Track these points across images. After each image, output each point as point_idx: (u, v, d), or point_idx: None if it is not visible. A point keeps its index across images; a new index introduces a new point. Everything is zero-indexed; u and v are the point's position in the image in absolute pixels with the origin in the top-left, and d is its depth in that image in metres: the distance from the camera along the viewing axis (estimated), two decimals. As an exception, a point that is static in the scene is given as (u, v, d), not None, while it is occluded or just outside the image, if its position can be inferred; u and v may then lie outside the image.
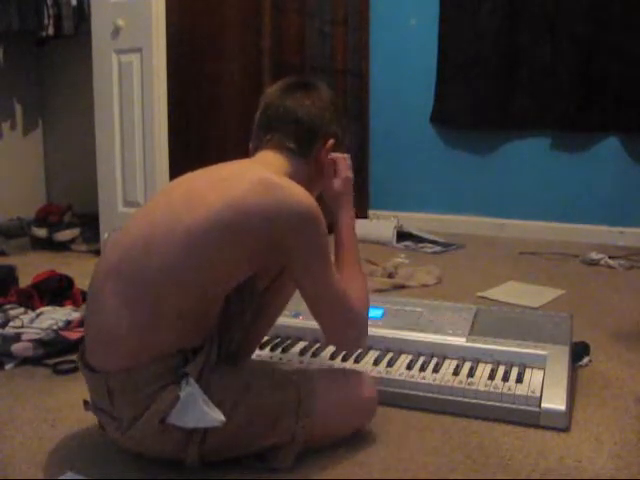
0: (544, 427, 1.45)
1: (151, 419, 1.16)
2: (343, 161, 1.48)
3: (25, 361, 1.80)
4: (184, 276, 1.16)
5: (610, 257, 3.08)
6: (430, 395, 1.54)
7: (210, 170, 1.32)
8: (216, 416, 1.15)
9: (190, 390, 1.15)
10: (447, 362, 1.65)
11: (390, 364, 1.63)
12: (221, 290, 1.22)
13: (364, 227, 3.67)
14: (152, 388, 1.16)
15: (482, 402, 1.50)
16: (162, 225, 1.18)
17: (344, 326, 1.32)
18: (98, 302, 1.21)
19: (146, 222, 1.22)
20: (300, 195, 1.23)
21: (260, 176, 1.22)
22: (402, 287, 2.62)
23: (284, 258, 1.24)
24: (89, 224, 3.23)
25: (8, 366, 1.78)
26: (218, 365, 1.24)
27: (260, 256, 1.22)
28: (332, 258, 1.29)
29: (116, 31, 2.98)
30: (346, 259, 1.42)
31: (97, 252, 3.08)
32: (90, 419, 1.41)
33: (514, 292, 2.57)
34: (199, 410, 1.15)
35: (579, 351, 1.79)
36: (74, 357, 1.78)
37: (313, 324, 1.82)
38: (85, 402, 1.29)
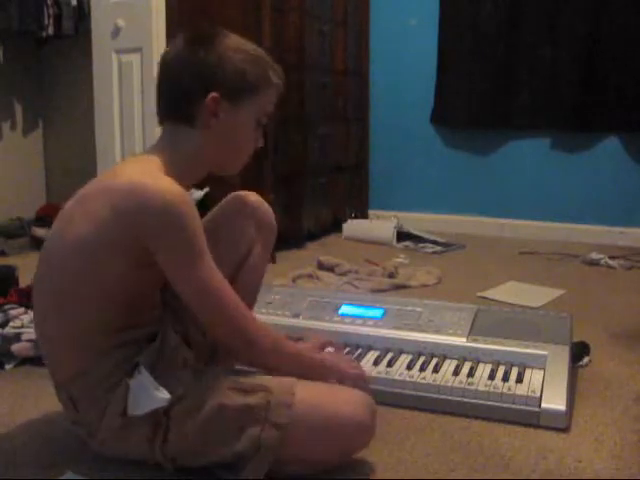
0: (544, 427, 1.45)
1: (112, 415, 1.17)
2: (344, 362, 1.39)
3: (25, 361, 1.80)
4: (80, 291, 1.17)
5: (610, 257, 3.07)
6: (430, 395, 1.54)
7: (91, 182, 1.27)
8: (162, 395, 1.14)
9: (139, 378, 1.15)
10: (447, 362, 1.65)
11: (390, 364, 1.63)
12: (138, 291, 1.20)
13: (364, 227, 3.68)
14: (108, 384, 1.17)
15: (482, 402, 1.50)
16: (53, 242, 1.21)
17: (226, 326, 1.20)
18: (34, 315, 1.26)
19: (49, 238, 1.23)
20: (157, 193, 1.11)
21: (120, 183, 1.15)
22: (402, 287, 2.61)
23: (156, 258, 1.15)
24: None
25: (8, 366, 1.78)
26: (185, 364, 1.23)
27: (147, 261, 1.16)
28: (203, 249, 1.16)
29: (116, 31, 2.98)
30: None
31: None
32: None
33: (514, 292, 2.57)
34: (148, 394, 1.14)
35: (579, 351, 1.79)
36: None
37: (312, 324, 1.83)
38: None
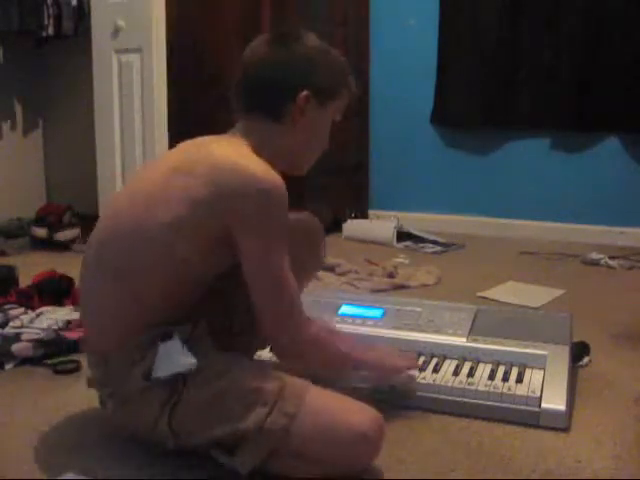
0: (544, 427, 1.45)
1: (136, 375, 1.20)
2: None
3: (25, 361, 1.80)
4: (153, 270, 1.20)
5: (610, 257, 3.07)
6: (430, 395, 1.54)
7: (169, 156, 1.33)
8: (188, 359, 1.17)
9: (170, 342, 1.18)
10: (447, 362, 1.65)
11: (390, 364, 1.63)
12: (201, 275, 1.24)
13: (364, 227, 3.67)
14: (142, 353, 1.20)
15: (482, 402, 1.50)
16: (126, 220, 1.23)
17: (278, 316, 1.24)
18: (85, 291, 1.29)
19: (112, 215, 1.27)
20: (250, 173, 1.17)
21: (212, 161, 1.20)
22: (402, 287, 2.61)
23: (235, 235, 1.19)
24: (89, 224, 3.23)
25: (8, 366, 1.78)
26: (213, 346, 1.26)
27: (227, 241, 1.21)
28: (284, 238, 1.22)
29: (116, 31, 2.98)
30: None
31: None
32: (90, 419, 1.42)
33: (514, 292, 2.57)
34: (175, 357, 1.17)
35: (579, 351, 1.79)
36: (75, 357, 1.79)
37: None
38: (88, 380, 1.33)
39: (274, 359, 1.48)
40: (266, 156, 1.24)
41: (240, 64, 1.29)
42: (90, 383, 1.32)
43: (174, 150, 1.33)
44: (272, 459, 1.17)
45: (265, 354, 1.61)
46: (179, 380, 1.19)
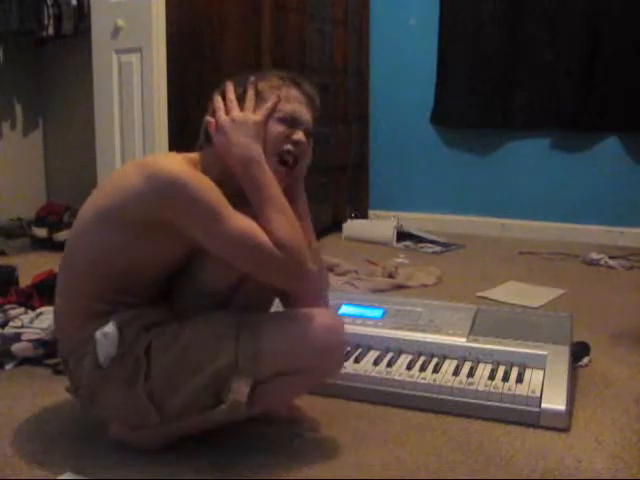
0: (544, 427, 1.45)
1: (89, 368, 1.26)
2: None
3: (25, 361, 1.80)
4: (91, 258, 1.28)
5: (610, 257, 3.07)
6: (430, 395, 1.54)
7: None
8: (107, 329, 1.24)
9: (105, 328, 1.24)
10: (447, 362, 1.65)
11: (390, 364, 1.64)
12: (144, 264, 1.28)
13: (364, 227, 3.68)
14: (86, 346, 1.26)
15: (482, 402, 1.50)
16: (79, 216, 1.34)
17: (263, 262, 1.23)
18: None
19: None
20: (166, 167, 1.23)
21: (139, 161, 1.34)
22: (402, 287, 2.61)
23: (179, 229, 1.23)
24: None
25: (8, 366, 1.78)
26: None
27: (163, 234, 1.24)
28: (221, 207, 1.22)
29: (116, 31, 2.98)
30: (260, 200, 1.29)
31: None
32: (90, 419, 1.42)
33: (514, 292, 2.57)
34: (113, 341, 1.24)
35: (579, 351, 1.79)
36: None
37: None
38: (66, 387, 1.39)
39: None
40: (217, 173, 1.29)
41: None
42: (67, 388, 1.38)
43: None
44: (259, 395, 1.24)
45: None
46: (139, 355, 1.24)
